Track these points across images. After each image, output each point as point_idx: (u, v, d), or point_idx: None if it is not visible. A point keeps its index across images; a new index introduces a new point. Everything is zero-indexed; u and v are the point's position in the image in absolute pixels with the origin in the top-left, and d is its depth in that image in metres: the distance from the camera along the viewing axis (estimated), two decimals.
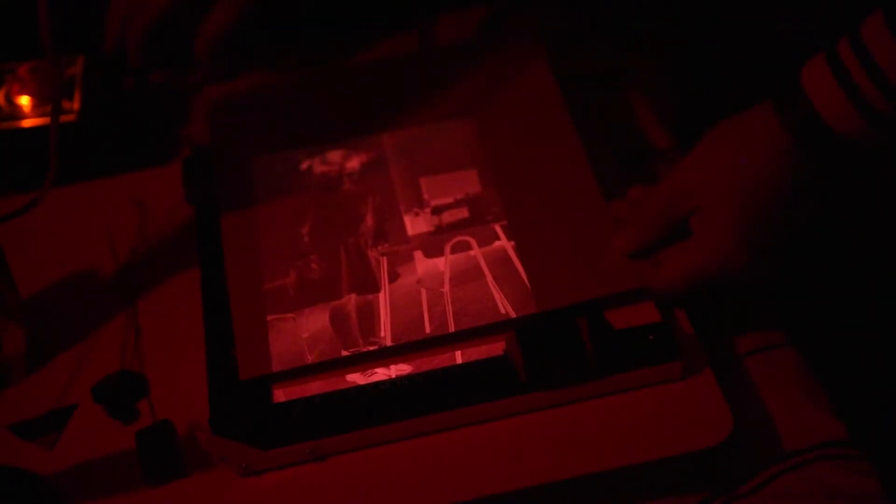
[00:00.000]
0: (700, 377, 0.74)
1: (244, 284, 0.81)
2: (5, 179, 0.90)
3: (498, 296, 0.78)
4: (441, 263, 0.81)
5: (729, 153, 0.75)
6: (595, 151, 0.86)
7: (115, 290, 0.85)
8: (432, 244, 0.82)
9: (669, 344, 0.74)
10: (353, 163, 0.89)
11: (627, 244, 0.79)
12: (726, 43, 1.10)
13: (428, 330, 0.77)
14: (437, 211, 0.85)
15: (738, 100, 0.76)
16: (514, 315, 0.77)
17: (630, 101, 0.97)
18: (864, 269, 1.06)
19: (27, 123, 0.91)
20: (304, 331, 0.78)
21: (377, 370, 0.76)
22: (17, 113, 0.91)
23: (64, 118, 0.89)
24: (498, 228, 0.83)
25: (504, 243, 0.82)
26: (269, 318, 0.79)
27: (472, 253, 0.82)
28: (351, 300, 0.79)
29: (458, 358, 0.76)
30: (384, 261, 0.82)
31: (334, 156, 0.90)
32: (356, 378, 0.76)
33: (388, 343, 0.76)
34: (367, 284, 0.80)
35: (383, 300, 0.79)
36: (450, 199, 0.85)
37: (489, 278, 0.80)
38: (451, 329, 0.77)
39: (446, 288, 0.79)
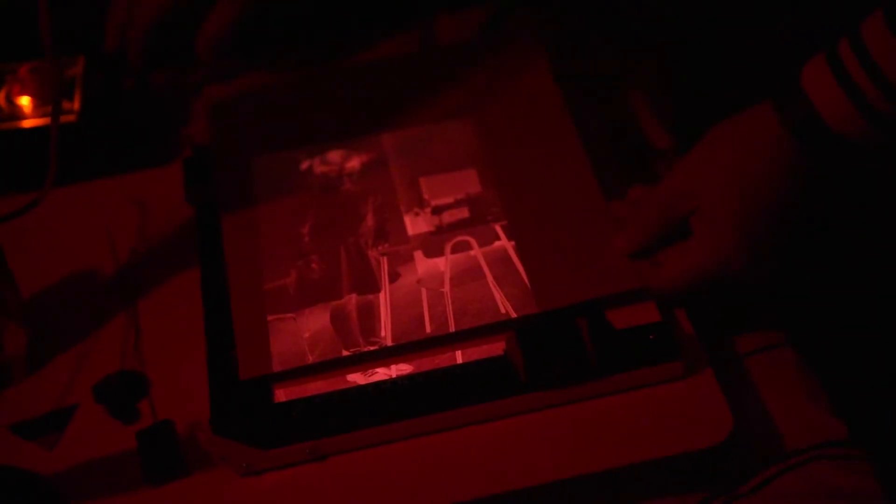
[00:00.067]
0: (700, 377, 0.74)
1: (245, 284, 0.81)
2: (6, 179, 0.90)
3: (498, 296, 0.78)
4: (441, 263, 0.81)
5: (729, 153, 0.75)
6: (595, 151, 0.86)
7: (116, 290, 0.85)
8: (433, 244, 0.83)
9: (670, 344, 0.74)
10: (354, 163, 0.89)
11: (627, 244, 0.79)
12: (726, 43, 1.10)
13: (428, 330, 0.77)
14: (437, 211, 0.85)
15: (738, 100, 0.76)
16: (514, 315, 0.77)
17: (630, 101, 0.97)
18: (864, 269, 1.06)
19: (27, 124, 0.91)
20: (304, 331, 0.78)
21: (378, 370, 0.76)
22: (17, 113, 0.91)
23: (64, 118, 0.89)
24: (498, 228, 0.83)
25: (504, 243, 0.82)
26: (270, 318, 0.79)
27: (472, 253, 0.82)
28: (351, 300, 0.80)
29: (459, 358, 0.76)
30: (384, 261, 0.82)
31: (334, 156, 0.90)
32: (357, 378, 0.76)
33: (389, 343, 0.77)
34: (368, 284, 0.80)
35: (384, 300, 0.79)
36: (450, 199, 0.85)
37: (489, 278, 0.80)
38: (452, 329, 0.77)
39: (447, 288, 0.80)
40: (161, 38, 0.93)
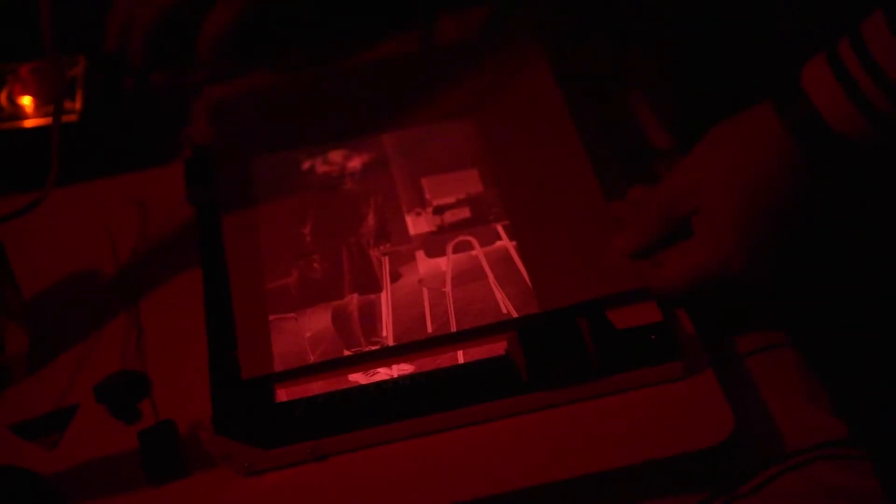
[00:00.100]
0: (701, 377, 0.74)
1: (246, 284, 0.81)
2: (7, 179, 0.90)
3: (500, 295, 0.78)
4: (443, 263, 0.81)
5: (729, 153, 0.75)
6: (595, 151, 0.87)
7: (117, 290, 0.85)
8: (434, 244, 0.83)
9: (671, 344, 0.74)
10: (355, 163, 0.89)
11: (628, 244, 0.79)
12: (726, 43, 1.10)
13: (430, 330, 0.77)
14: (438, 211, 0.85)
15: (738, 100, 0.76)
16: (515, 315, 0.77)
17: (630, 101, 0.98)
18: (864, 269, 1.06)
19: (29, 124, 0.91)
20: (306, 330, 0.78)
21: (379, 370, 0.76)
22: (19, 113, 0.91)
23: (66, 118, 0.88)
24: (500, 228, 0.83)
25: (506, 243, 0.82)
26: (271, 317, 0.79)
27: (473, 253, 0.82)
28: (353, 300, 0.80)
29: (460, 358, 0.76)
30: (386, 260, 0.82)
31: (336, 156, 0.90)
32: (358, 378, 0.76)
33: (390, 343, 0.77)
34: (369, 284, 0.81)
35: (385, 300, 0.79)
36: (451, 199, 0.85)
37: (491, 278, 0.80)
38: (453, 329, 0.77)
39: (448, 288, 0.80)
40: (162, 39, 0.93)
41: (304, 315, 0.79)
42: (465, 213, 0.84)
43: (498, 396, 0.73)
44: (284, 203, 0.87)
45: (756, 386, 0.77)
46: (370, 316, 0.78)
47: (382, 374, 0.76)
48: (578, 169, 0.85)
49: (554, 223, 0.82)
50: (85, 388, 0.79)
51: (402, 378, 0.75)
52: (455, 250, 0.82)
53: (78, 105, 0.91)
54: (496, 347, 0.76)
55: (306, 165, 0.90)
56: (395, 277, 0.81)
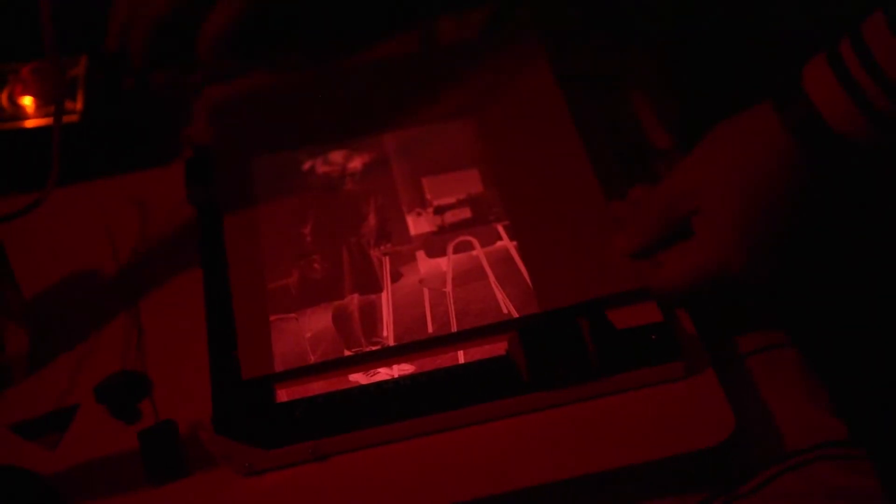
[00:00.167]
0: (701, 377, 0.74)
1: (246, 284, 0.81)
2: (8, 179, 0.90)
3: (500, 296, 0.78)
4: (443, 263, 0.81)
5: (729, 153, 0.75)
6: (595, 151, 0.87)
7: (117, 291, 0.85)
8: (435, 244, 0.83)
9: (671, 344, 0.74)
10: (355, 163, 0.89)
11: (628, 244, 0.79)
12: (726, 43, 1.10)
13: (430, 330, 0.77)
14: (439, 211, 0.85)
15: (739, 100, 0.76)
16: (516, 315, 0.77)
17: (630, 101, 0.98)
18: (864, 269, 1.06)
19: (30, 124, 0.91)
20: (306, 331, 0.78)
21: (380, 370, 0.76)
22: (20, 113, 0.91)
23: (67, 119, 0.88)
24: (500, 228, 0.83)
25: (506, 243, 0.82)
26: (272, 318, 0.79)
27: (474, 253, 0.82)
28: (353, 300, 0.80)
29: (461, 358, 0.76)
30: (387, 261, 0.82)
31: (336, 156, 0.90)
32: (359, 378, 0.76)
33: (391, 343, 0.77)
34: (370, 284, 0.81)
35: (386, 300, 0.79)
36: (452, 199, 0.85)
37: (491, 278, 0.80)
38: (454, 329, 0.77)
39: (449, 288, 0.80)
40: (162, 39, 0.93)
41: (304, 315, 0.79)
42: (465, 213, 0.84)
43: (498, 396, 0.73)
44: (285, 203, 0.87)
45: (756, 386, 0.77)
46: (371, 316, 0.78)
47: (383, 374, 0.76)
48: (578, 169, 0.85)
49: (554, 223, 0.82)
50: (85, 388, 0.79)
51: (402, 378, 0.75)
52: (456, 250, 0.82)
53: (79, 105, 0.91)
54: (497, 347, 0.76)
55: (307, 166, 0.90)
56: (395, 277, 0.81)
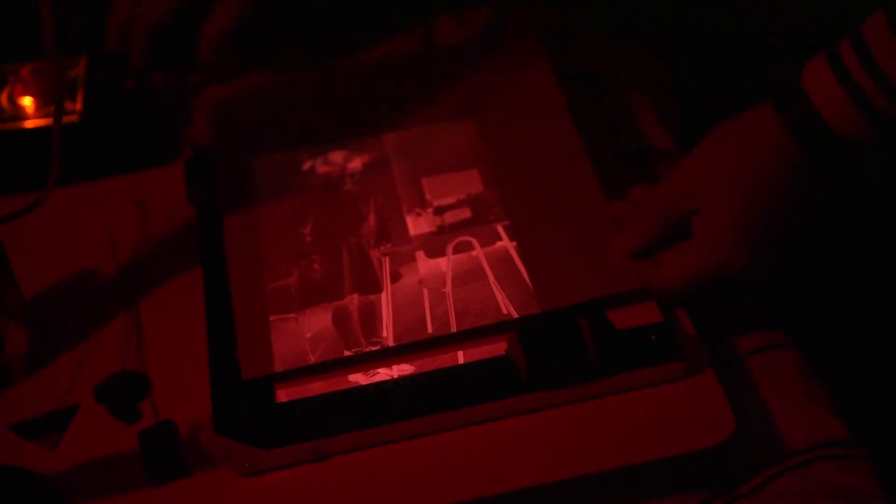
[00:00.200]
0: (701, 377, 0.74)
1: (246, 284, 0.81)
2: (8, 180, 0.90)
3: (500, 296, 0.78)
4: (443, 264, 0.81)
5: (729, 153, 0.75)
6: (595, 151, 0.87)
7: (117, 291, 0.85)
8: (434, 244, 0.83)
9: (671, 344, 0.74)
10: (355, 163, 0.89)
11: (628, 244, 0.79)
12: (726, 43, 1.10)
13: (430, 330, 0.77)
14: (439, 211, 0.85)
15: (739, 100, 0.76)
16: (515, 315, 0.77)
17: (630, 101, 0.98)
18: (864, 269, 1.06)
19: (30, 124, 0.91)
20: (306, 331, 0.78)
21: (379, 370, 0.76)
22: (19, 114, 0.91)
23: (66, 119, 0.88)
24: (500, 228, 0.83)
25: (506, 243, 0.82)
26: (272, 318, 0.79)
27: (474, 253, 0.82)
28: (353, 300, 0.80)
29: (460, 358, 0.76)
30: (386, 261, 0.82)
31: (336, 156, 0.90)
32: (358, 378, 0.76)
33: (391, 343, 0.77)
34: (370, 285, 0.81)
35: (385, 300, 0.79)
36: (452, 200, 0.85)
37: (491, 278, 0.80)
38: (453, 329, 0.77)
39: (448, 288, 0.80)
40: (162, 39, 0.93)
41: (304, 315, 0.79)
42: (465, 213, 0.84)
43: (498, 397, 0.73)
44: (285, 203, 0.87)
45: (756, 386, 0.77)
46: (370, 316, 0.78)
47: (383, 374, 0.76)
48: (578, 169, 0.85)
49: (554, 223, 0.82)
50: (85, 388, 0.79)
51: (402, 378, 0.75)
52: (455, 251, 0.82)
53: (79, 105, 0.91)
54: (496, 348, 0.76)
55: (307, 166, 0.90)
56: (395, 278, 0.81)
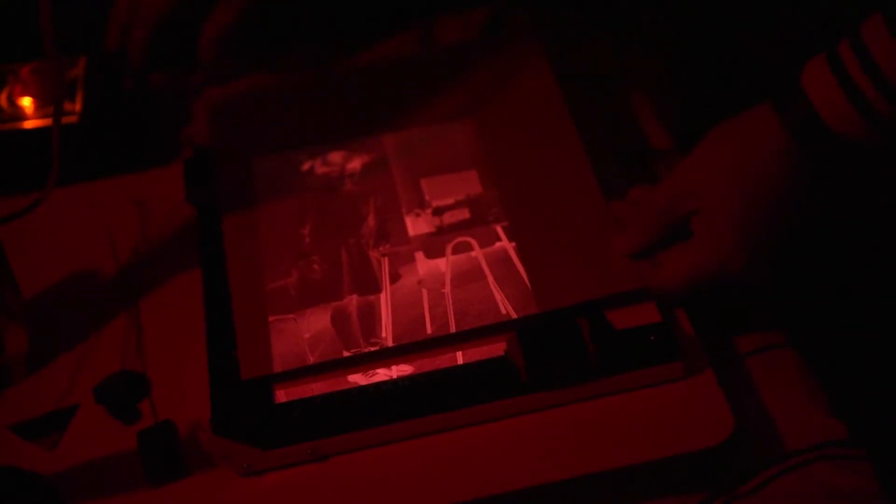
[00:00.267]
0: (701, 377, 0.74)
1: (246, 285, 0.81)
2: (7, 180, 0.90)
3: (499, 296, 0.78)
4: (442, 264, 0.81)
5: (729, 154, 0.75)
6: (595, 151, 0.86)
7: (117, 291, 0.86)
8: (433, 245, 0.83)
9: (670, 344, 0.74)
10: (355, 164, 0.89)
11: (628, 245, 0.79)
12: (726, 43, 1.10)
13: (429, 330, 0.77)
14: (438, 212, 0.85)
15: (739, 100, 0.76)
16: (515, 316, 0.77)
17: (630, 101, 0.98)
18: (864, 269, 1.06)
19: (29, 125, 0.91)
20: (305, 331, 0.78)
21: (378, 371, 0.76)
22: (19, 114, 0.91)
23: (66, 119, 0.88)
24: (499, 229, 0.83)
25: (505, 244, 0.82)
26: (271, 318, 0.79)
27: (473, 254, 0.82)
28: (352, 301, 0.80)
29: (460, 358, 0.76)
30: (385, 261, 0.82)
31: (335, 157, 0.90)
32: (357, 379, 0.76)
33: (390, 344, 0.77)
34: (369, 285, 0.81)
35: (385, 301, 0.79)
36: (451, 200, 0.85)
37: (490, 279, 0.80)
38: (453, 330, 0.77)
39: (447, 289, 0.80)
40: (162, 39, 0.93)
41: (303, 316, 0.79)
42: (464, 214, 0.84)
43: (497, 397, 0.73)
44: (284, 204, 0.87)
45: (756, 386, 0.77)
46: (369, 317, 0.78)
47: (382, 374, 0.76)
48: (578, 169, 0.85)
49: (554, 224, 0.82)
50: (85, 388, 0.79)
51: (401, 379, 0.75)
52: (454, 251, 0.82)
53: (78, 106, 0.91)
54: (496, 348, 0.76)
55: (306, 166, 0.90)
56: (394, 278, 0.81)
